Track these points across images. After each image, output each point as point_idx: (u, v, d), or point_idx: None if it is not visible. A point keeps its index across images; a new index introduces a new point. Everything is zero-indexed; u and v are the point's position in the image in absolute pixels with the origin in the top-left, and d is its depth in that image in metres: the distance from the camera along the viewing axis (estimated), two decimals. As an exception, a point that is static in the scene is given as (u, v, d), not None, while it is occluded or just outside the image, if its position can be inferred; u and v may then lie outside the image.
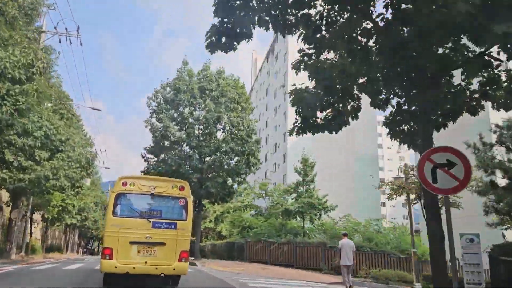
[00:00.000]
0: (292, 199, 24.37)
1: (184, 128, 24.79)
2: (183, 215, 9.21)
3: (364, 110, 9.61)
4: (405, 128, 8.68)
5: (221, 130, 25.28)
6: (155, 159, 25.96)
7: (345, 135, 52.61)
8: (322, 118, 8.96)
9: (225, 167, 24.27)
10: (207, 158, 24.93)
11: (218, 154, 24.29)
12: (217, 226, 36.44)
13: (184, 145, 24.53)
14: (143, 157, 25.82)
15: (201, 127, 25.10)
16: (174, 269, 8.81)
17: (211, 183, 23.73)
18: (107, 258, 8.51)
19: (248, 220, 23.16)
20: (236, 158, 24.35)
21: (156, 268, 8.67)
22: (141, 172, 26.46)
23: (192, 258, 25.80)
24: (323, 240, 20.48)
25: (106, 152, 56.65)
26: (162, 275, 8.91)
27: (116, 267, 8.46)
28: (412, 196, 16.21)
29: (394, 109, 8.78)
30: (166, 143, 25.62)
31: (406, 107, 8.56)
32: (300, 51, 8.78)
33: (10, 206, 24.63)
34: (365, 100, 9.23)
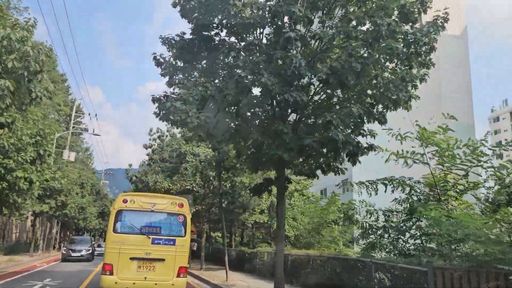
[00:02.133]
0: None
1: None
2: (182, 231, 9.44)
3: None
4: None
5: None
6: (189, 72, 11.48)
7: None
8: None
9: (372, 81, 9.29)
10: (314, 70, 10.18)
11: (349, 48, 9.61)
12: (273, 221, 22.17)
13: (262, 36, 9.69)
14: (159, 65, 11.29)
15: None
16: (173, 284, 8.94)
17: (337, 119, 9.26)
18: (108, 273, 8.71)
19: (464, 218, 8.09)
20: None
21: (156, 284, 8.84)
22: (155, 100, 11.68)
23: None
24: None
25: (97, 116, 42.10)
26: None
27: (116, 283, 8.66)
28: None
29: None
30: (219, 37, 11.29)
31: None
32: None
33: None
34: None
